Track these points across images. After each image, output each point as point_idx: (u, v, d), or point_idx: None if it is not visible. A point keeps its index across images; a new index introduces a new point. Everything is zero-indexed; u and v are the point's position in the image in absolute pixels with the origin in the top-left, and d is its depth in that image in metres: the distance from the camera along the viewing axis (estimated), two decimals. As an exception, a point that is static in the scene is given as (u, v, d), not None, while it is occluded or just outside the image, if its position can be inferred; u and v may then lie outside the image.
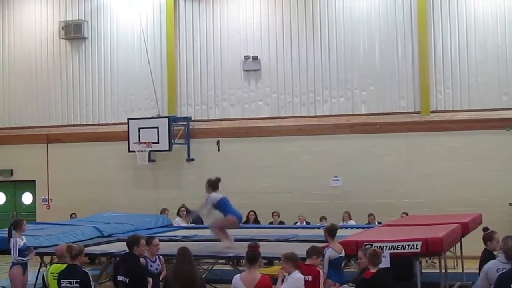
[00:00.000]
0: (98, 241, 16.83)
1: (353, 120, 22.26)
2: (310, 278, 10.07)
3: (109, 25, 24.70)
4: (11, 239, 13.51)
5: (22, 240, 13.57)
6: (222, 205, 14.92)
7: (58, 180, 24.62)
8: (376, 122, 21.98)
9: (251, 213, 21.58)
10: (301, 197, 22.17)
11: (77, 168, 24.39)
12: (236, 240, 15.78)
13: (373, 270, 9.68)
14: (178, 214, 21.41)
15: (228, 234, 15.00)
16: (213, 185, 14.93)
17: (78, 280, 9.96)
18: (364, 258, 10.05)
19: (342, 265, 12.26)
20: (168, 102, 23.88)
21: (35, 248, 14.43)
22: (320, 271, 10.48)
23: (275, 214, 21.45)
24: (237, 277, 9.40)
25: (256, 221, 21.50)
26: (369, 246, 11.62)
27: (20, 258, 13.49)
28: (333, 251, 11.82)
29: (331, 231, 12.17)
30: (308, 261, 10.33)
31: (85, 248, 15.78)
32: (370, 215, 20.61)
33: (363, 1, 22.35)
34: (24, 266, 13.61)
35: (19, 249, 13.48)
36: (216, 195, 14.89)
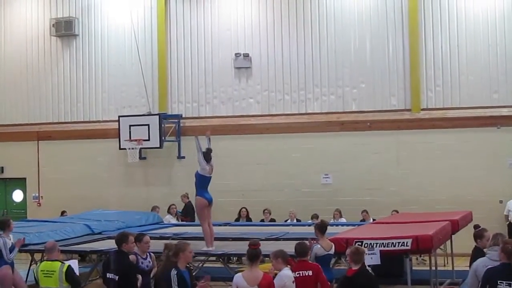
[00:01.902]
0: (89, 238, 16.86)
1: (343, 117, 22.25)
2: (310, 272, 10.08)
3: (100, 22, 24.63)
4: (0, 239, 13.41)
5: (10, 239, 13.48)
6: (196, 179, 14.83)
7: (49, 178, 24.57)
8: (366, 119, 21.97)
9: (243, 209, 21.55)
10: (291, 194, 22.15)
11: (67, 166, 24.33)
12: (227, 238, 15.77)
13: (355, 268, 9.48)
14: (169, 212, 21.42)
15: (208, 231, 14.78)
16: (204, 154, 14.77)
17: None
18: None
19: (330, 262, 12.25)
20: (159, 99, 23.83)
21: (25, 245, 14.41)
22: (319, 265, 10.52)
23: (266, 211, 21.44)
24: (239, 276, 9.24)
25: (248, 218, 21.49)
26: (359, 243, 11.65)
27: (12, 256, 13.41)
28: (320, 248, 11.81)
29: (321, 228, 12.20)
30: (302, 259, 10.31)
31: (75, 246, 15.95)
32: (364, 211, 20.59)
33: (354, -1, 22.38)
34: (12, 265, 13.52)
35: (9, 248, 13.40)
36: (202, 167, 14.74)
